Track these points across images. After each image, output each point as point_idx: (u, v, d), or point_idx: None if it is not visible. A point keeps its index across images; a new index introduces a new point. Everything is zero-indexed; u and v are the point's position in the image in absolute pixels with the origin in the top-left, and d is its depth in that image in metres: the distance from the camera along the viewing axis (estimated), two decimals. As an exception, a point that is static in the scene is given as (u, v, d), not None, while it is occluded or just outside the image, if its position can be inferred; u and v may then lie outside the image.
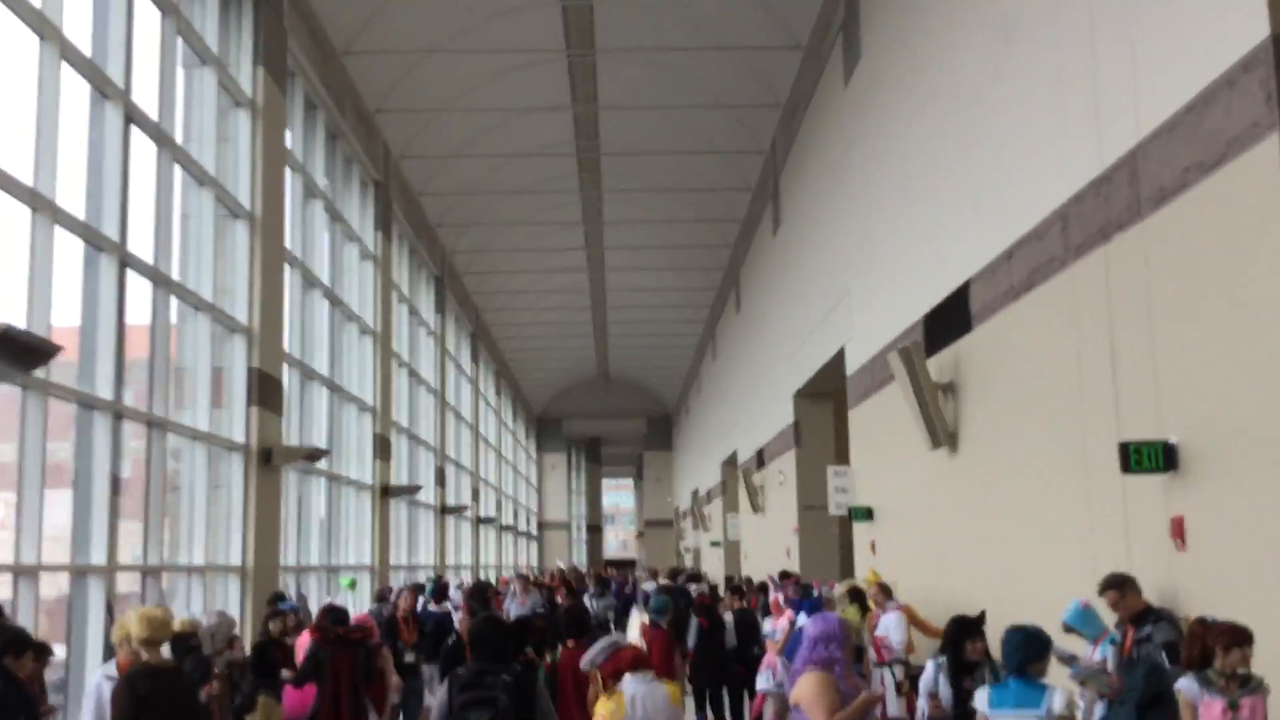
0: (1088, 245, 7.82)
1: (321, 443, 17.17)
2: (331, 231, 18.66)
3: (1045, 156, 8.66)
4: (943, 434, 11.10)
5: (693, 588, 17.88)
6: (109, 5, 10.84)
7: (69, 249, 9.98)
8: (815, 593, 11.56)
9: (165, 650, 7.35)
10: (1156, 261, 6.93)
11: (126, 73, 10.94)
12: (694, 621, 12.47)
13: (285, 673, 9.21)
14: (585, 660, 6.43)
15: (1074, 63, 8.03)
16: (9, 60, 9.55)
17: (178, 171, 12.44)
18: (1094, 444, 7.69)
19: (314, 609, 13.36)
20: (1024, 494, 9.24)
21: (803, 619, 9.80)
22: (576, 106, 21.69)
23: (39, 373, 8.99)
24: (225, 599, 13.06)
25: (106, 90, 10.64)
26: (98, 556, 10.15)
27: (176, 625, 8.84)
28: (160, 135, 11.81)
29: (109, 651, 8.52)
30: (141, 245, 11.29)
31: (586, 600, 17.58)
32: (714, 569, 33.20)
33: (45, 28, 9.46)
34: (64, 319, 10.09)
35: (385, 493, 20.92)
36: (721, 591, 17.90)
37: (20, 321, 8.84)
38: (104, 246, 10.45)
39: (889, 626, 10.39)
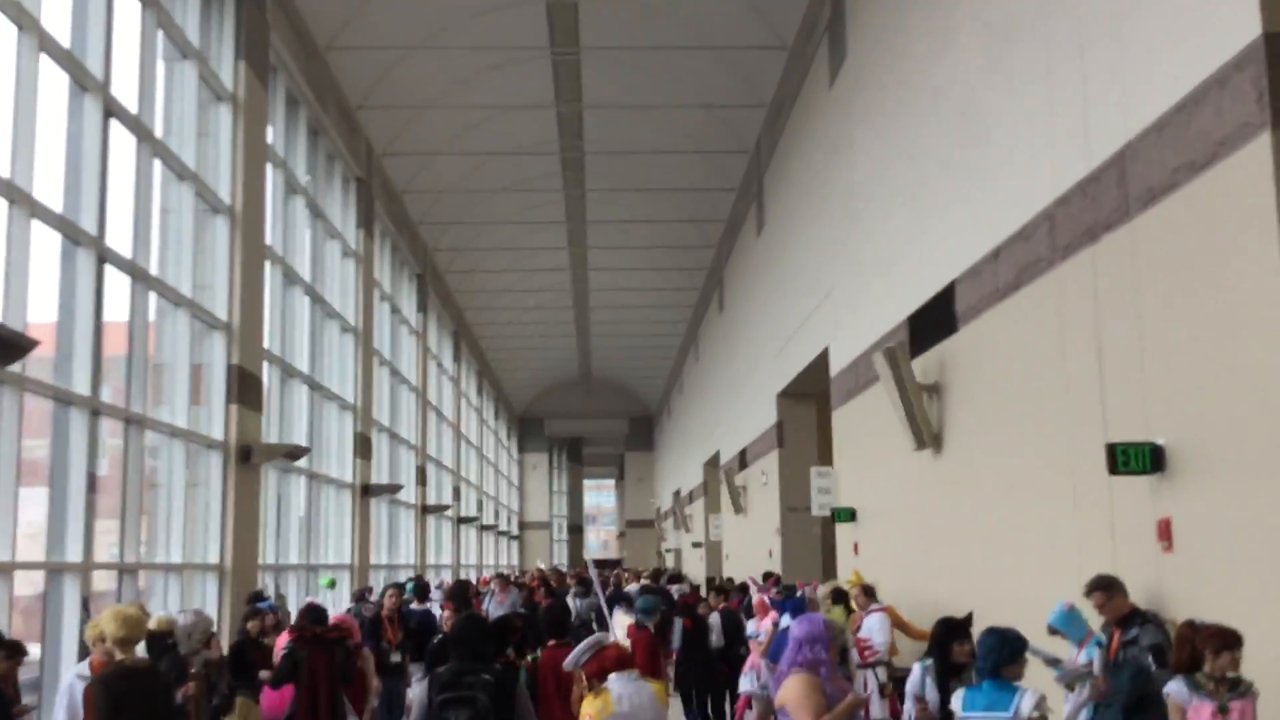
0: (1075, 246, 7.79)
1: (301, 441, 17.05)
2: (313, 228, 18.53)
3: (1032, 157, 8.62)
4: (927, 435, 11.07)
5: (675, 588, 17.86)
6: (89, -4, 10.72)
7: (46, 243, 9.87)
8: (799, 594, 11.50)
9: (141, 649, 7.25)
10: (1145, 262, 6.89)
11: (106, 65, 10.81)
12: (677, 623, 12.42)
13: (263, 673, 9.10)
14: (569, 660, 6.36)
15: (1063, 62, 8.00)
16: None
17: (157, 166, 12.31)
18: (1081, 445, 7.66)
19: (293, 608, 13.24)
20: (1009, 495, 9.21)
21: (786, 620, 9.76)
22: (560, 105, 21.61)
23: (14, 368, 8.86)
24: (203, 598, 12.94)
25: (85, 83, 10.51)
26: (74, 554, 10.02)
27: (153, 624, 8.73)
28: (140, 129, 11.68)
29: (85, 650, 8.39)
30: (120, 240, 11.16)
31: (569, 600, 17.50)
32: (695, 570, 33.16)
33: (24, 18, 9.34)
34: (41, 315, 9.97)
35: (365, 491, 20.80)
36: (704, 592, 17.86)
37: (-5, 316, 8.72)
38: (82, 241, 10.33)
39: (872, 628, 10.35)
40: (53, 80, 10.02)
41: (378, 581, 20.85)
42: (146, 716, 5.01)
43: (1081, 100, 7.69)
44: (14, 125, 9.26)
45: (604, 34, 18.78)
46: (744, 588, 15.52)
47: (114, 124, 11.04)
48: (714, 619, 12.73)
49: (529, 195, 26.41)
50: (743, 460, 24.90)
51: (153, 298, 12.13)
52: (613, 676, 5.91)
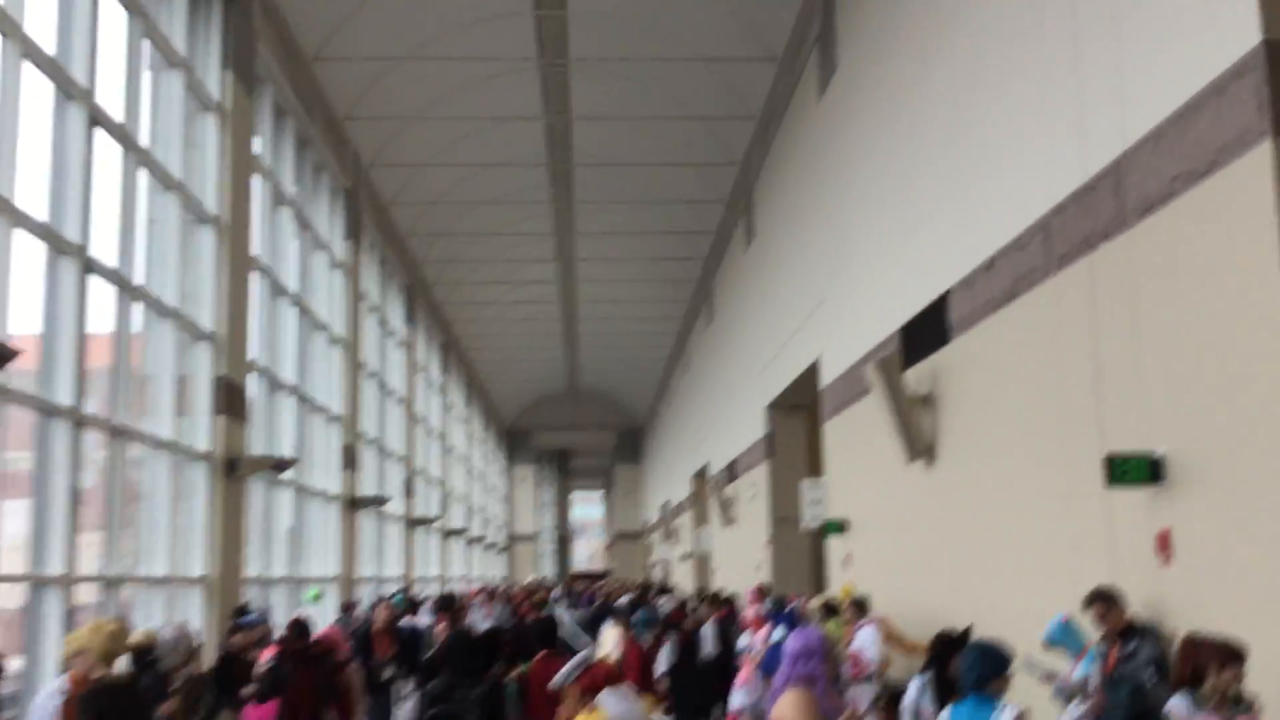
0: (1071, 255, 7.73)
1: (288, 453, 16.91)
2: (300, 239, 18.42)
3: (1027, 166, 8.57)
4: (920, 446, 11.00)
5: (663, 601, 17.72)
6: (74, 4, 10.60)
7: (30, 252, 9.74)
8: (791, 606, 11.41)
9: (123, 664, 7.13)
10: (1143, 272, 6.83)
11: (91, 73, 10.70)
12: (667, 643, 12.24)
13: (248, 688, 8.98)
14: (557, 679, 6.28)
15: (1058, 70, 7.95)
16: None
17: (143, 175, 12.20)
18: (1077, 456, 7.59)
19: (279, 622, 13.11)
20: (1005, 507, 9.14)
21: (780, 633, 9.67)
22: (549, 117, 21.55)
23: (-4, 378, 8.73)
24: (187, 611, 12.78)
25: (70, 91, 10.40)
26: (56, 567, 9.88)
27: (135, 638, 8.60)
28: (126, 138, 11.57)
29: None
30: (105, 250, 11.04)
31: (559, 612, 17.39)
32: (684, 582, 33.03)
33: (6, 25, 9.22)
34: (25, 326, 9.84)
35: (352, 504, 20.66)
36: (692, 605, 17.73)
37: (-23, 325, 8.60)
38: (66, 250, 10.20)
39: (864, 642, 10.26)
40: (37, 88, 9.91)
41: (365, 595, 20.71)
42: (127, 734, 4.91)
43: (1077, 108, 7.64)
44: (-3, 133, 9.15)
45: (593, 46, 18.74)
46: (729, 601, 15.43)
47: (99, 133, 10.92)
48: (707, 629, 12.62)
49: (517, 207, 26.33)
50: (732, 472, 24.81)
51: (138, 308, 12.00)
52: (604, 693, 5.83)
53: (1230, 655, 5.12)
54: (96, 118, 10.80)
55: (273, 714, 8.51)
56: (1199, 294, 6.28)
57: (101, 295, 11.00)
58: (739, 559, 23.31)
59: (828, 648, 5.63)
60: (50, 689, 6.62)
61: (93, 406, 10.78)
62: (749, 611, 12.06)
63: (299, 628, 8.96)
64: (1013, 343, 8.90)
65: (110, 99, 11.19)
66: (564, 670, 6.16)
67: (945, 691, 6.63)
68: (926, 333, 10.95)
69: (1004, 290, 8.95)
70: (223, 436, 13.53)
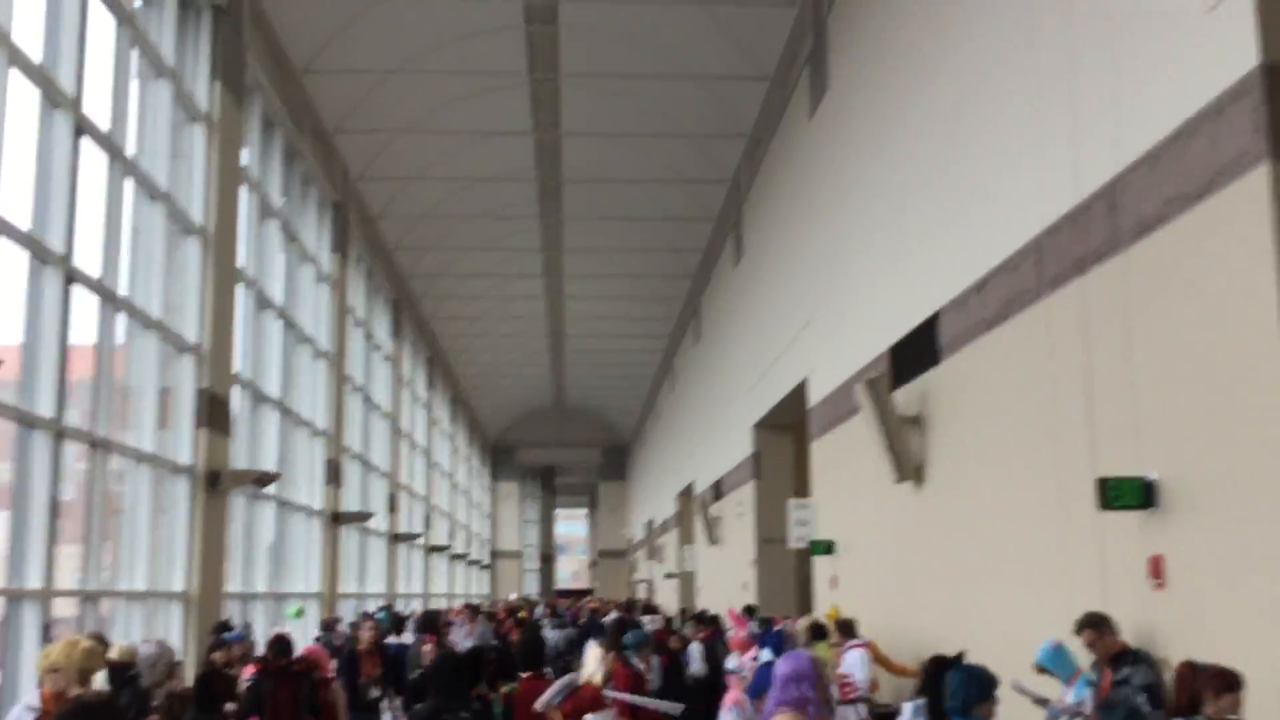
0: (1064, 277, 7.69)
1: (271, 467, 16.77)
2: (287, 251, 18.31)
3: (1019, 187, 8.54)
4: (909, 467, 10.94)
5: (648, 620, 17.58)
6: (61, 11, 10.51)
7: (12, 261, 9.63)
8: (778, 628, 11.32)
9: (101, 680, 7.00)
10: (1136, 294, 6.79)
11: (78, 81, 10.60)
12: (654, 660, 12.15)
13: (229, 705, 8.84)
14: (541, 701, 6.19)
15: (1053, 89, 7.92)
16: (-46, 64, 9.20)
17: (129, 185, 12.09)
18: (1069, 479, 7.53)
19: (260, 638, 12.96)
20: (994, 529, 9.07)
21: (767, 654, 9.57)
22: (538, 132, 21.50)
23: (-24, 388, 8.62)
24: (167, 626, 12.63)
25: (57, 99, 10.30)
26: (34, 580, 9.74)
27: (114, 654, 8.47)
28: (112, 147, 11.47)
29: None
30: (89, 260, 10.92)
31: (546, 632, 17.25)
32: (668, 601, 32.90)
33: (-7, 31, 9.14)
34: (7, 336, 9.73)
35: (336, 519, 20.51)
36: (677, 624, 17.63)
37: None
38: (49, 260, 10.09)
39: (852, 664, 10.18)
40: (22, 95, 9.81)
41: (347, 611, 20.54)
42: (103, 754, 4.80)
43: (1072, 128, 7.61)
44: (-18, 140, 9.05)
45: (584, 61, 18.71)
46: (715, 619, 15.31)
47: (85, 141, 10.82)
48: (694, 648, 12.51)
49: (506, 222, 26.27)
50: (718, 491, 24.73)
51: (121, 319, 11.88)
52: (589, 718, 5.75)
53: (1227, 683, 5.06)
54: (83, 126, 10.70)
55: (252, 732, 8.39)
56: (1194, 317, 6.24)
57: (85, 306, 10.89)
58: (724, 578, 23.21)
59: (819, 671, 5.53)
60: (21, 705, 6.50)
61: (74, 418, 10.65)
62: (736, 632, 11.95)
63: (280, 644, 8.83)
64: (1004, 364, 8.85)
65: (97, 108, 11.09)
66: (549, 693, 6.07)
67: (941, 717, 6.54)
68: (916, 353, 10.90)
69: (995, 311, 8.91)
70: (205, 450, 13.40)
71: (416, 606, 27.71)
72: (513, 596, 36.87)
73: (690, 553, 29.46)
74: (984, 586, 9.29)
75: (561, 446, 53.87)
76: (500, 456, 55.53)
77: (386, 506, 26.59)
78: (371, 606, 21.51)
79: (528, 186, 24.19)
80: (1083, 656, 6.74)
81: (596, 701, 5.87)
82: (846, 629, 10.85)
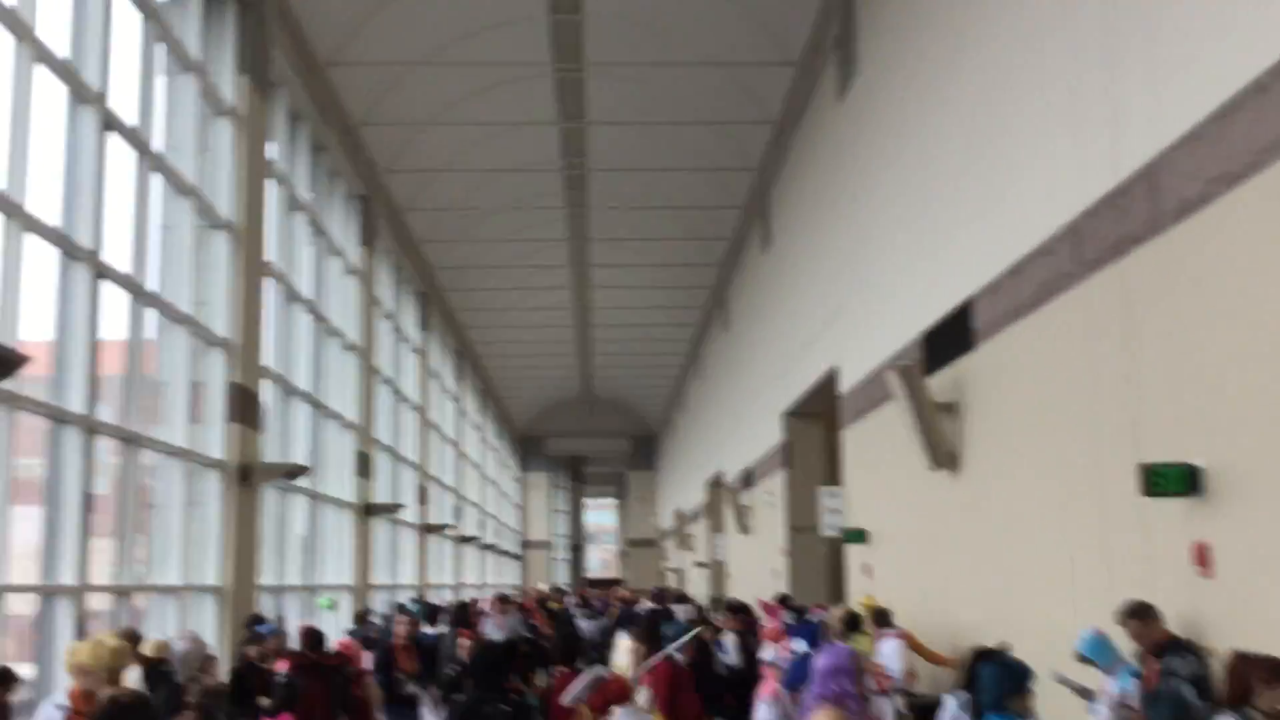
0: (1102, 260, 7.54)
1: (302, 460, 16.80)
2: (314, 245, 18.32)
3: (1056, 169, 8.39)
4: (943, 455, 10.81)
5: (680, 609, 17.49)
6: (87, 7, 10.50)
7: (42, 258, 9.63)
8: (813, 618, 11.22)
9: (135, 676, 6.98)
10: (1178, 277, 6.65)
11: (104, 77, 10.60)
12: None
13: (264, 701, 8.84)
14: (569, 696, 6.12)
15: (1090, 68, 7.76)
16: (-19, 61, 9.20)
17: (157, 180, 12.10)
18: (1110, 466, 7.40)
19: (293, 631, 12.98)
20: (1033, 517, 8.94)
21: (802, 645, 9.48)
22: (564, 122, 21.41)
23: (7, 384, 8.61)
24: (200, 620, 12.66)
25: (83, 94, 10.30)
26: (68, 576, 9.77)
27: (148, 650, 8.47)
28: (139, 142, 11.47)
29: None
30: (118, 255, 10.94)
31: (578, 622, 17.20)
32: (698, 590, 32.83)
33: (19, 28, 9.13)
34: (38, 332, 9.74)
35: (366, 511, 20.54)
36: (709, 614, 17.52)
37: (-12, 331, 8.49)
38: (78, 255, 10.10)
39: (888, 654, 10.07)
40: (49, 91, 9.81)
41: (379, 603, 20.58)
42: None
43: (1110, 108, 7.46)
44: (9, 137, 9.03)
45: (608, 50, 18.60)
46: (746, 608, 15.19)
47: (112, 137, 10.82)
48: (728, 638, 12.41)
49: (531, 213, 26.22)
50: (747, 480, 24.62)
51: (151, 314, 11.90)
52: (618, 712, 5.69)
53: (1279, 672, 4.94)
54: (110, 122, 10.71)
55: (287, 727, 8.37)
56: (1239, 298, 6.10)
57: (114, 301, 10.90)
58: (755, 567, 23.11)
59: (858, 665, 5.46)
60: (49, 703, 6.47)
61: (105, 414, 10.67)
62: (769, 623, 11.84)
63: (313, 638, 8.82)
64: (1041, 349, 8.71)
65: (124, 103, 11.09)
66: (577, 687, 6.00)
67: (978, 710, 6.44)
68: (950, 339, 10.77)
69: (1032, 295, 8.77)
70: (236, 444, 13.42)
71: (448, 596, 27.77)
72: (544, 586, 36.86)
73: (721, 541, 29.37)
74: (1022, 575, 9.17)
75: (589, 436, 53.84)
76: (529, 447, 55.57)
77: (417, 498, 26.64)
78: (403, 598, 21.54)
79: (554, 177, 24.11)
80: (1124, 645, 6.62)
81: (624, 695, 5.79)
82: (882, 618, 10.74)
